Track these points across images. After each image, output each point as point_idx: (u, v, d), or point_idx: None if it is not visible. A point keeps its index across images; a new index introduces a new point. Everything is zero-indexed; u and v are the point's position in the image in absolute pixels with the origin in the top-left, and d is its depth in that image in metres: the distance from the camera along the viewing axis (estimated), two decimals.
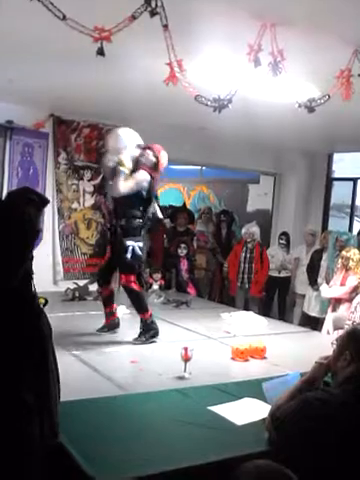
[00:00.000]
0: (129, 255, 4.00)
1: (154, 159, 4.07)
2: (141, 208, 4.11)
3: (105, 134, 6.03)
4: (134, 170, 4.04)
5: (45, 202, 1.93)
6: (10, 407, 1.59)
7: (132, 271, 4.11)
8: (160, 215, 4.29)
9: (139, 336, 4.09)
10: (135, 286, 4.12)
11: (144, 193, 4.08)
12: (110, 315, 4.31)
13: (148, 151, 4.08)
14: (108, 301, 4.31)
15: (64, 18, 2.65)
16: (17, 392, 1.62)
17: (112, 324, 4.29)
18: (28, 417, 1.62)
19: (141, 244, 4.11)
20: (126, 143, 4.06)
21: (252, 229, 6.68)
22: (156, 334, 4.12)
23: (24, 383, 1.63)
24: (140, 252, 4.08)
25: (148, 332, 4.09)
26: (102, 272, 4.38)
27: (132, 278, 4.09)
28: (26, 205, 1.74)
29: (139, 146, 4.13)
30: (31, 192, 1.89)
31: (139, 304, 4.16)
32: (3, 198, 1.86)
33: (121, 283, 4.17)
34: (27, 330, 1.67)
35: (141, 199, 4.10)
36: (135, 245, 4.04)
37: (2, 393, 1.60)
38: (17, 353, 1.63)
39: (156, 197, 4.26)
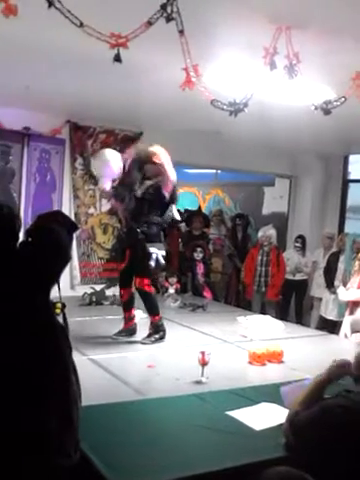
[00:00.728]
0: (153, 263, 4.10)
1: (158, 163, 4.05)
2: (159, 213, 4.17)
3: (121, 139, 6.11)
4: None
5: (75, 227, 1.90)
6: (30, 432, 1.56)
7: (147, 275, 4.21)
8: (177, 217, 4.37)
9: (147, 336, 4.19)
10: (148, 289, 4.23)
11: (167, 196, 4.12)
12: (129, 320, 4.34)
13: (153, 166, 4.07)
14: (128, 305, 4.35)
15: (81, 25, 2.68)
16: (37, 416, 1.58)
17: (130, 329, 4.32)
18: (48, 441, 1.59)
19: (164, 253, 4.23)
20: (114, 169, 4.14)
21: (269, 232, 6.64)
22: (163, 336, 4.24)
23: (44, 407, 1.59)
24: (163, 261, 4.19)
25: (157, 333, 4.21)
26: (123, 275, 4.40)
27: (146, 281, 4.19)
28: (56, 228, 1.70)
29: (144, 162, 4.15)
30: (61, 216, 1.84)
31: (151, 306, 4.26)
32: (32, 220, 1.82)
33: (135, 286, 4.25)
34: (47, 351, 1.64)
35: (161, 204, 4.16)
36: (159, 254, 4.14)
37: (21, 419, 1.56)
38: (37, 375, 1.60)
39: (176, 199, 4.31)
